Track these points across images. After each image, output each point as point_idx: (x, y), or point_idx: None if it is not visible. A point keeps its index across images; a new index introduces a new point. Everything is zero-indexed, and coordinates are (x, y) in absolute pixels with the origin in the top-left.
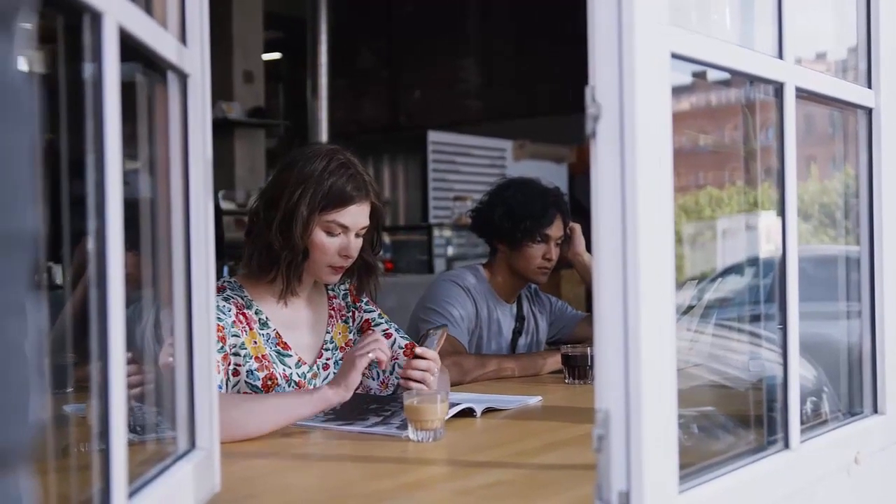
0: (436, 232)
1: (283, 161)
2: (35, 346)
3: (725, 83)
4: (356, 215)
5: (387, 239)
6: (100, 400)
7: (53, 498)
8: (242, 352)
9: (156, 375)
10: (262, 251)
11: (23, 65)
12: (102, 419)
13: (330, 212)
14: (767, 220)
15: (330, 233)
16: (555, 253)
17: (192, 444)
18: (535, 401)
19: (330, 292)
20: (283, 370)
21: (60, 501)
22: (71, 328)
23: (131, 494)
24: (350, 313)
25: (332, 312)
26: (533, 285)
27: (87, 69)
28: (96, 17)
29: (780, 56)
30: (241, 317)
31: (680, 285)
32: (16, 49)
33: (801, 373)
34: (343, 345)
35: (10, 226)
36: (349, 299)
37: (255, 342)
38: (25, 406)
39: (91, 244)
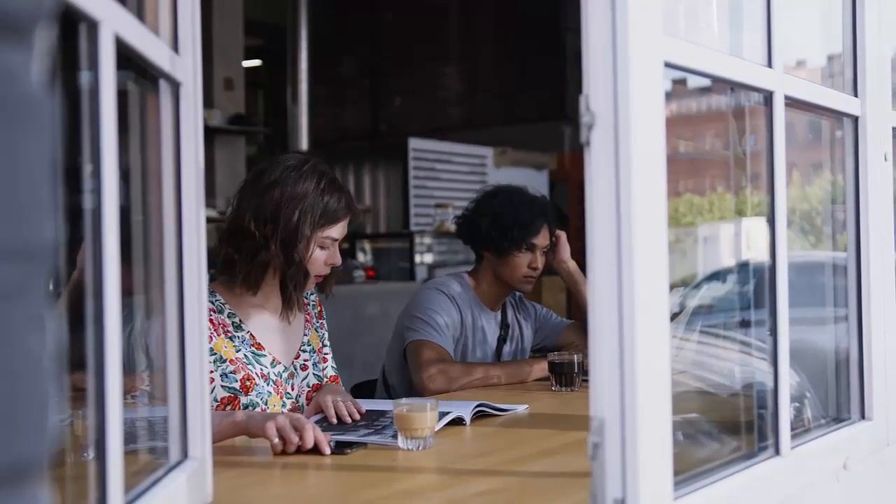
0: (417, 239)
1: (264, 176)
2: (53, 359)
3: (705, 90)
4: (344, 227)
5: (368, 246)
6: (96, 411)
7: None
8: (212, 357)
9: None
10: (260, 268)
11: (41, 76)
12: (99, 430)
13: (326, 228)
14: (749, 227)
15: (322, 247)
16: (540, 262)
17: (185, 455)
18: (522, 409)
19: (303, 298)
20: (261, 370)
21: None
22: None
23: None
24: (319, 323)
25: (309, 318)
26: (517, 293)
27: (83, 77)
28: (93, 26)
29: (769, 65)
30: (207, 322)
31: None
32: (34, 61)
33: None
34: (317, 349)
35: (31, 237)
36: (316, 311)
37: (227, 346)
38: (46, 419)
39: (87, 253)
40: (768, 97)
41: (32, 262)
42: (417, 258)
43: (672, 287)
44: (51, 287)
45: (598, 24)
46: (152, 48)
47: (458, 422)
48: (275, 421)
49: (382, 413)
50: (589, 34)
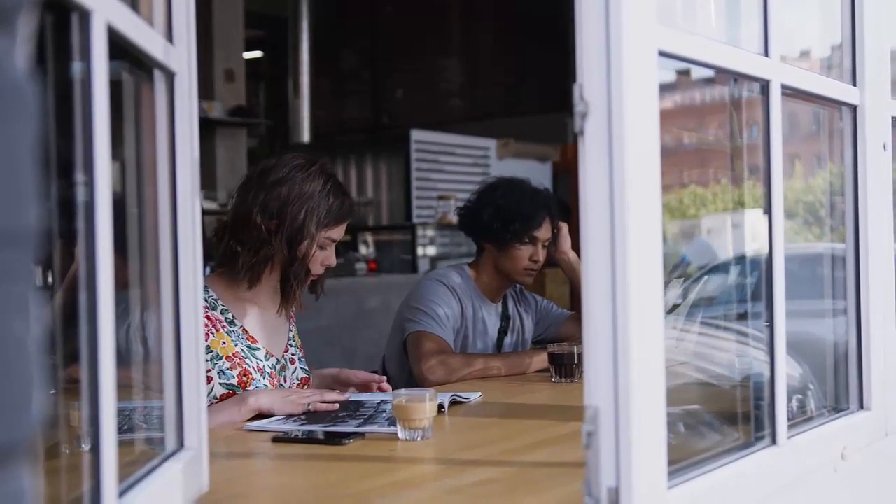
0: (419, 231)
1: (270, 173)
2: (37, 343)
3: (709, 81)
4: (343, 230)
5: (370, 239)
6: (90, 401)
7: (42, 499)
8: (209, 355)
9: (142, 376)
10: (262, 262)
11: (24, 63)
12: (93, 420)
13: (329, 229)
14: (752, 219)
15: (321, 247)
16: (542, 255)
17: (181, 444)
18: (476, 396)
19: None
20: (257, 363)
21: (49, 502)
22: (58, 329)
23: (121, 494)
24: (295, 322)
25: (292, 315)
26: (519, 284)
27: (75, 67)
28: (85, 16)
29: (766, 54)
30: (204, 319)
31: (665, 283)
32: (18, 47)
33: (787, 371)
34: (299, 345)
35: (14, 222)
36: (294, 310)
37: (224, 342)
38: (30, 402)
39: (80, 245)
40: (765, 86)
41: (16, 247)
42: (420, 250)
43: (675, 279)
44: (49, 280)
45: (591, 12)
46: (146, 38)
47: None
48: (300, 404)
49: (360, 403)
50: (582, 23)
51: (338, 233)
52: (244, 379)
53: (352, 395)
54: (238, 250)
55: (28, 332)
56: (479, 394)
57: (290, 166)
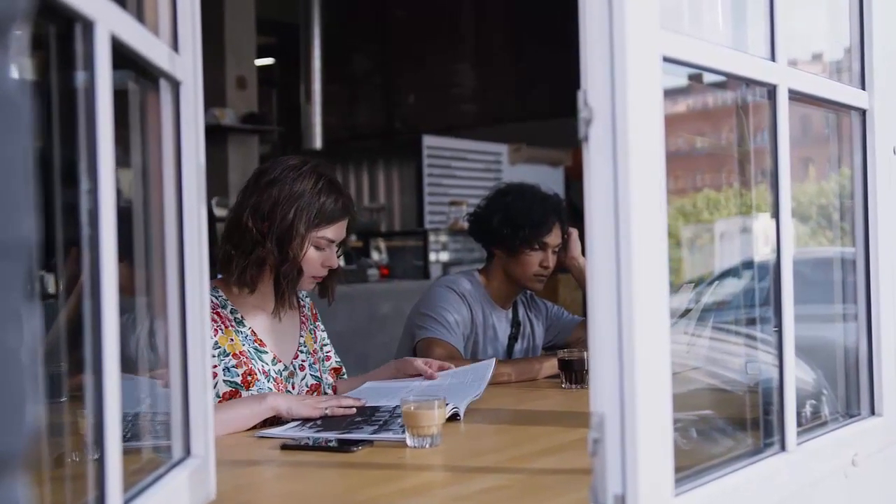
0: (431, 237)
1: (264, 175)
2: (31, 354)
3: (721, 85)
4: (341, 229)
5: (382, 245)
6: (94, 409)
7: None
8: (216, 351)
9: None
10: (255, 265)
11: (18, 73)
12: (97, 428)
13: (321, 228)
14: (764, 223)
15: (318, 247)
16: (552, 260)
17: (188, 452)
18: (488, 363)
19: (298, 299)
20: (262, 366)
21: None
22: (65, 337)
23: (126, 502)
24: (315, 325)
25: (304, 320)
26: (529, 290)
27: (79, 77)
28: (88, 26)
29: (773, 58)
30: (214, 316)
31: (677, 288)
32: (11, 58)
33: (800, 376)
34: (312, 350)
35: (7, 234)
36: (311, 314)
37: (232, 340)
38: (23, 413)
39: (85, 253)
40: (771, 91)
41: (9, 258)
42: (432, 256)
43: (687, 283)
44: (62, 288)
45: (594, 19)
46: (150, 47)
47: (455, 417)
48: (318, 408)
49: (376, 409)
50: (586, 29)
51: (333, 233)
52: (248, 379)
53: (368, 401)
54: (232, 254)
55: (21, 343)
56: (493, 360)
57: (282, 167)
